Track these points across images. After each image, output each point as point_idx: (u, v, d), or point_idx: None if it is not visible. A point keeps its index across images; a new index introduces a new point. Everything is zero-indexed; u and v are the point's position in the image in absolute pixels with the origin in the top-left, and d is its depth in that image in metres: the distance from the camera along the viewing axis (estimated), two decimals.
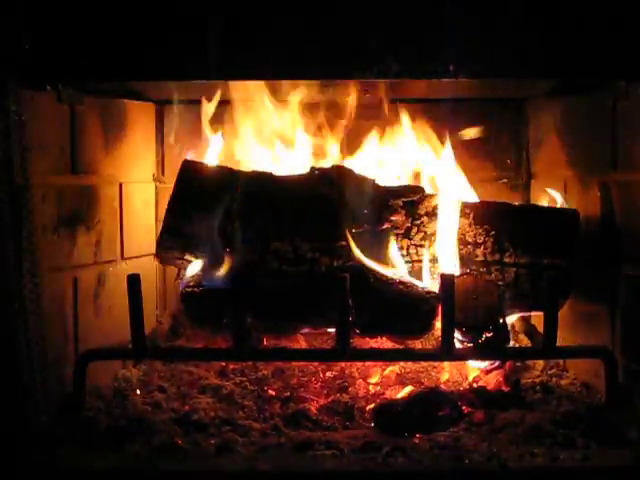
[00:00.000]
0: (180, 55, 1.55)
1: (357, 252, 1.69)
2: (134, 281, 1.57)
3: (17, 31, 1.48)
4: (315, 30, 1.54)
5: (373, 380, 1.79)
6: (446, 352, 1.57)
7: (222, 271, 1.69)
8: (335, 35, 1.54)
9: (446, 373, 1.82)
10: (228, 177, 1.79)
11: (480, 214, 1.79)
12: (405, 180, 1.99)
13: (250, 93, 1.91)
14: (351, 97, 1.94)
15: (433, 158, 1.97)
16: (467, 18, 1.53)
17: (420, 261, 1.78)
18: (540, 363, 1.89)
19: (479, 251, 1.76)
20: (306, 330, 1.78)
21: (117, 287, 1.81)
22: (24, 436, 1.43)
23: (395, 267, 1.74)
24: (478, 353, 1.67)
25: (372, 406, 1.64)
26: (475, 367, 1.78)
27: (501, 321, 1.67)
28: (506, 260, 1.75)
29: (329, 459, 1.40)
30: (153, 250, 1.85)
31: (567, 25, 1.53)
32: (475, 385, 1.76)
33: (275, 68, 1.55)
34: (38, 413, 1.46)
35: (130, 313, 1.57)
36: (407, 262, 1.77)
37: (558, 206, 1.86)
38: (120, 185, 1.97)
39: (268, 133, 1.99)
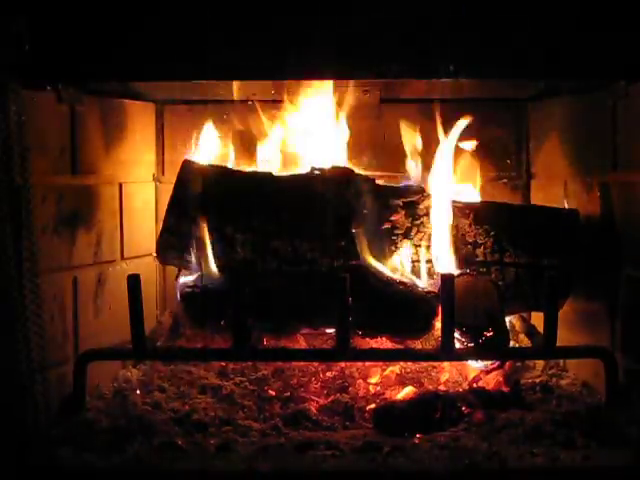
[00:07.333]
0: (179, 55, 1.55)
1: (357, 252, 1.69)
2: (134, 281, 1.57)
3: (17, 32, 1.48)
4: (317, 30, 1.54)
5: (373, 380, 1.79)
6: (446, 352, 1.57)
7: (222, 271, 1.69)
8: (336, 35, 1.54)
9: (446, 373, 1.81)
10: (228, 177, 1.79)
11: (480, 214, 1.79)
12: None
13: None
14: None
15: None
16: (467, 18, 1.53)
17: (420, 261, 1.78)
18: (540, 363, 1.89)
19: (479, 251, 1.76)
20: (306, 330, 1.78)
21: (117, 287, 1.81)
22: (24, 436, 1.43)
23: (395, 267, 1.74)
24: (478, 353, 1.67)
25: (372, 406, 1.64)
26: (475, 367, 1.78)
27: (501, 321, 1.67)
28: (506, 260, 1.75)
29: (329, 459, 1.40)
30: (153, 250, 1.86)
31: (567, 25, 1.53)
32: (475, 385, 1.75)
33: (277, 68, 1.56)
34: (38, 413, 1.45)
35: (130, 313, 1.57)
36: (407, 262, 1.77)
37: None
38: (120, 185, 1.97)
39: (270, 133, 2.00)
